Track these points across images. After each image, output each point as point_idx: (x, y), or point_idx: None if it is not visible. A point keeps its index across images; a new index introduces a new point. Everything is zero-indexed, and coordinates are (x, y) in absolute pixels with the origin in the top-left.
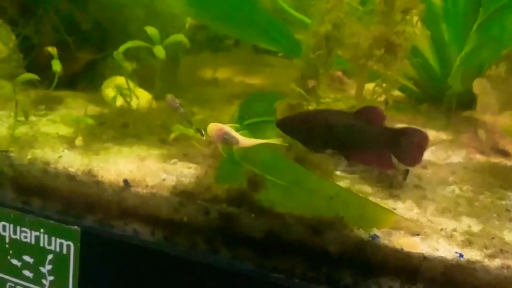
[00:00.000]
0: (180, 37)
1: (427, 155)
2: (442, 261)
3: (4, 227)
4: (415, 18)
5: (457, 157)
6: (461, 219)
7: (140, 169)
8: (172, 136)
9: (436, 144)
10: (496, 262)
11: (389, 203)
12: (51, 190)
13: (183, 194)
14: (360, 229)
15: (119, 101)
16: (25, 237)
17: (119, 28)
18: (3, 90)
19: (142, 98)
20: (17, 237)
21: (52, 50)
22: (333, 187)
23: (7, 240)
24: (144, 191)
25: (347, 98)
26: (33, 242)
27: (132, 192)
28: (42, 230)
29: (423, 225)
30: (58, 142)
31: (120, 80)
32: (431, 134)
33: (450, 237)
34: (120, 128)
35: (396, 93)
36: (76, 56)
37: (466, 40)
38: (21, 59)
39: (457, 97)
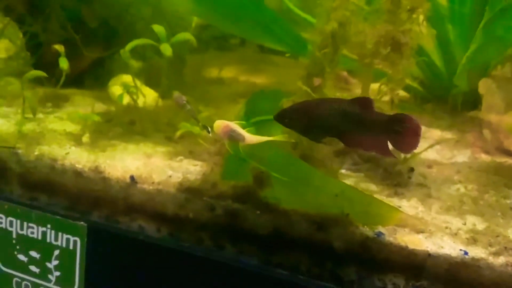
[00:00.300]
0: (186, 35)
1: (432, 154)
2: (446, 259)
3: (11, 223)
4: (421, 17)
5: (462, 156)
6: (466, 217)
7: (146, 166)
8: (178, 133)
9: (441, 143)
10: (501, 260)
11: (394, 201)
12: (58, 186)
13: (189, 191)
14: (365, 226)
15: (126, 99)
16: (32, 232)
17: (125, 26)
18: (11, 87)
19: (148, 96)
20: (24, 232)
21: (60, 48)
22: (339, 184)
23: (14, 235)
24: (150, 187)
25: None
26: (39, 237)
27: (139, 188)
28: (48, 226)
29: (428, 223)
30: (65, 139)
31: (127, 78)
32: (436, 133)
33: (454, 234)
34: (127, 125)
35: (401, 93)
36: (83, 54)
37: (471, 40)
38: (29, 57)
39: (462, 97)
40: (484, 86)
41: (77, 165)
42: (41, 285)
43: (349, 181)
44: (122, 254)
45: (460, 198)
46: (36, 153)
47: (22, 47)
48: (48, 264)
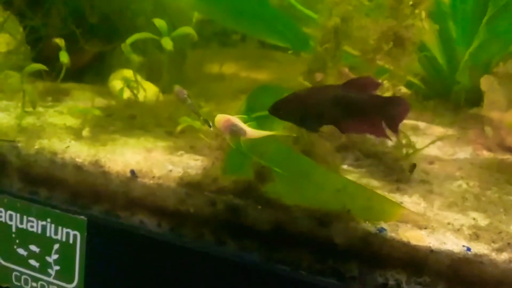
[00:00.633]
0: (187, 30)
1: (434, 150)
2: (449, 255)
3: (11, 217)
4: (424, 13)
5: (463, 153)
6: (468, 213)
7: (147, 160)
8: (179, 128)
9: (443, 139)
10: (504, 256)
11: (396, 197)
12: (58, 180)
13: (189, 185)
14: (367, 222)
15: (126, 94)
16: (32, 226)
17: (126, 21)
18: (11, 80)
19: (149, 91)
20: (24, 226)
21: (60, 42)
22: (341, 179)
23: (13, 229)
24: (151, 182)
25: None
26: (39, 231)
27: (139, 182)
28: (48, 220)
29: (430, 219)
30: (65, 133)
31: (127, 73)
32: (438, 130)
33: (457, 231)
34: (127, 120)
35: (403, 89)
36: (83, 48)
37: (473, 37)
38: (29, 51)
39: (464, 94)
40: (486, 83)
41: (77, 159)
42: (41, 279)
43: (350, 177)
44: (122, 249)
45: (462, 194)
46: (36, 147)
47: (22, 41)
48: (48, 258)
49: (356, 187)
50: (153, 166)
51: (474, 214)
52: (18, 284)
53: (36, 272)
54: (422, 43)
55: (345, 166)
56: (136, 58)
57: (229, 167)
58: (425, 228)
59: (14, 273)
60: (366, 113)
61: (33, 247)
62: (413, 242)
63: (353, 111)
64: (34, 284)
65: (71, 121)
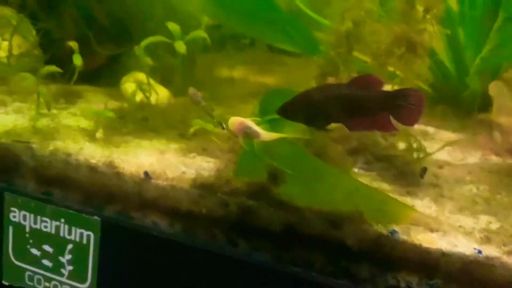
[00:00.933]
0: (200, 33)
1: (443, 155)
2: (460, 257)
3: (24, 217)
4: (436, 18)
5: (473, 158)
6: (479, 216)
7: (160, 162)
8: (192, 130)
9: (452, 144)
10: None
11: (406, 201)
12: (72, 180)
13: (202, 187)
14: (379, 224)
15: (139, 96)
16: (46, 226)
17: (138, 24)
18: (26, 81)
19: (161, 94)
20: (38, 226)
21: (73, 44)
22: (353, 182)
23: (27, 229)
24: (164, 183)
25: None
26: (53, 231)
27: (152, 184)
28: (62, 220)
29: (442, 222)
30: (79, 135)
31: (139, 75)
32: (447, 135)
33: (468, 234)
34: (140, 122)
35: None
36: (96, 51)
37: (482, 43)
38: (41, 54)
39: (473, 99)
40: (495, 88)
41: (91, 160)
42: (54, 279)
43: (361, 180)
44: (135, 249)
45: (472, 198)
46: (50, 148)
47: (35, 44)
48: (61, 258)
49: (368, 190)
50: (166, 168)
51: (485, 218)
52: (31, 284)
53: (49, 272)
54: (431, 49)
55: (356, 170)
56: (149, 61)
57: (242, 169)
58: (437, 231)
59: (27, 273)
60: (372, 109)
61: (46, 247)
62: (425, 244)
63: (359, 109)
64: (47, 284)
65: (85, 123)
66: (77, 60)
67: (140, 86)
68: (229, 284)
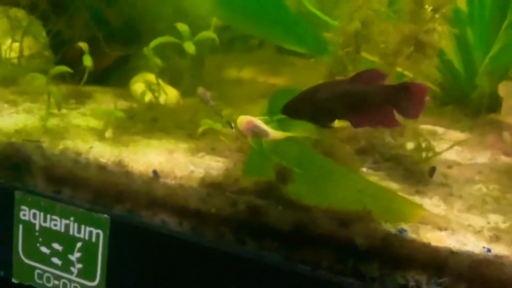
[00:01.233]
0: (209, 34)
1: (452, 155)
2: (469, 256)
3: (34, 215)
4: (444, 18)
5: (482, 158)
6: (488, 215)
7: (168, 161)
8: (201, 130)
9: (461, 145)
10: None
11: (415, 200)
12: (82, 179)
13: (211, 186)
14: (388, 223)
15: (148, 97)
16: (55, 225)
17: (147, 26)
18: (36, 81)
19: (170, 94)
20: (47, 225)
21: (84, 45)
22: (361, 180)
23: (37, 228)
24: (173, 182)
25: None
26: (62, 230)
27: (161, 183)
28: (72, 218)
29: (451, 221)
30: (89, 134)
31: (148, 76)
32: (456, 135)
33: (477, 232)
34: (149, 122)
35: None
36: (105, 52)
37: (491, 43)
38: (51, 55)
39: (482, 99)
40: (504, 88)
41: (100, 159)
42: (63, 277)
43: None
44: (144, 248)
45: (482, 197)
46: (60, 147)
47: (45, 45)
48: (71, 257)
49: (377, 188)
50: (175, 167)
51: (494, 217)
52: (40, 282)
53: (58, 270)
54: (440, 49)
55: (364, 169)
56: (158, 61)
57: (250, 168)
58: (446, 230)
59: (37, 271)
60: (376, 104)
61: (56, 245)
62: (434, 243)
63: (363, 104)
64: (56, 282)
65: (94, 123)
66: (87, 61)
67: (149, 86)
68: (237, 283)
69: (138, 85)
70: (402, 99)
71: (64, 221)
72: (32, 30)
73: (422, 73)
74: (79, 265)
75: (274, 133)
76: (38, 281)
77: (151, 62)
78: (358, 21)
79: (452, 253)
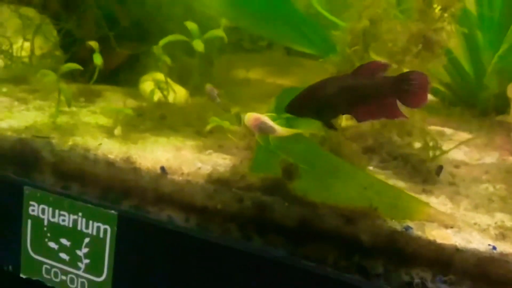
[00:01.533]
0: (218, 33)
1: (460, 155)
2: (475, 253)
3: (43, 210)
4: (453, 17)
5: (490, 158)
6: (494, 214)
7: (176, 158)
8: (209, 127)
9: (469, 145)
10: None
11: (422, 198)
12: (90, 175)
13: (217, 182)
14: (394, 220)
15: (157, 95)
16: (63, 220)
17: (157, 25)
18: (46, 78)
19: (178, 93)
20: (56, 220)
21: (94, 44)
22: (368, 177)
23: (45, 223)
24: (180, 178)
25: None
26: (70, 225)
27: (168, 179)
28: (80, 214)
29: (457, 219)
30: (98, 131)
31: (157, 75)
32: (464, 136)
33: (483, 230)
34: (157, 119)
35: (429, 96)
36: (115, 51)
37: (499, 44)
38: (62, 54)
39: (490, 100)
40: None
41: (109, 156)
42: (70, 272)
43: None
44: (151, 243)
45: (488, 196)
46: (69, 143)
47: (56, 45)
48: (78, 252)
49: (383, 185)
50: (182, 164)
51: (500, 215)
52: (48, 277)
53: (66, 265)
54: (448, 50)
55: (371, 168)
56: (168, 60)
57: (257, 165)
58: (451, 228)
59: (45, 266)
60: (379, 97)
61: (64, 241)
62: (439, 240)
63: (366, 97)
64: (63, 277)
65: (104, 120)
66: (98, 59)
67: (158, 85)
68: (243, 279)
69: (147, 84)
70: (404, 89)
71: (72, 217)
72: (43, 29)
73: (430, 72)
74: (87, 261)
75: (281, 130)
76: (46, 276)
77: (160, 61)
78: (366, 19)
79: (457, 250)
